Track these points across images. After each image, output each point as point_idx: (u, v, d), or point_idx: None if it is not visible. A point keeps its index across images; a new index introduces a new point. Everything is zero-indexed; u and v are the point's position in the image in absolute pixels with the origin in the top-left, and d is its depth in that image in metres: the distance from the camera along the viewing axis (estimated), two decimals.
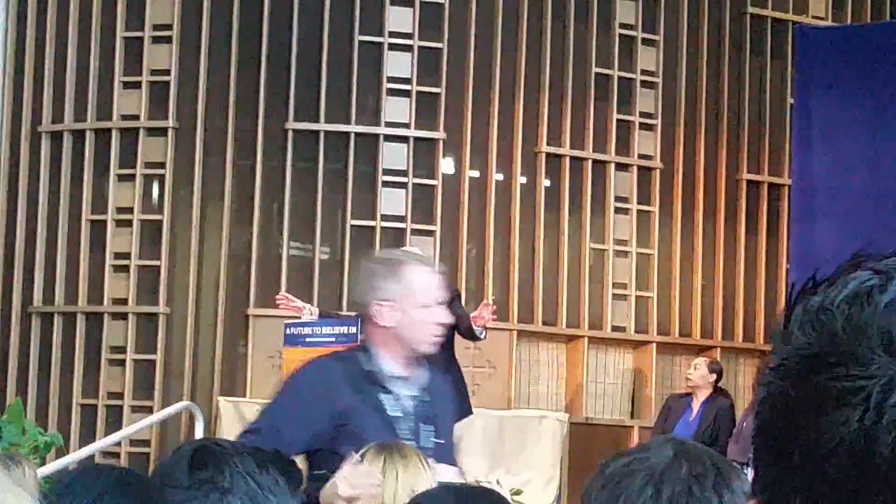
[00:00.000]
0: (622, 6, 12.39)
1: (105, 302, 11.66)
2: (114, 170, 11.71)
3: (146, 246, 11.64)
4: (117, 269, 11.69)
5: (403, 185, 11.72)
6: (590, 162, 12.21)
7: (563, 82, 12.17)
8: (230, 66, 11.70)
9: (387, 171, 11.69)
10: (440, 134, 11.80)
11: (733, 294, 12.69)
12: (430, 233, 11.71)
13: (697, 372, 11.18)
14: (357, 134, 11.68)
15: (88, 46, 11.84)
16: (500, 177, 11.99)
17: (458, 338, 9.45)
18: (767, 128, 12.91)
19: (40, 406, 11.56)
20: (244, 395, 11.30)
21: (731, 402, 11.17)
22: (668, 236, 12.50)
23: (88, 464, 7.48)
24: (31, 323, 11.80)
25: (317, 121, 11.68)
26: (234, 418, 10.93)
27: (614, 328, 12.25)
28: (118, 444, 11.01)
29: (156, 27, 11.77)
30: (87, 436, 11.27)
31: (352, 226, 11.64)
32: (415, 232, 11.64)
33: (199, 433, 10.09)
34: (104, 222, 11.70)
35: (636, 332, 12.32)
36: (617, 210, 12.29)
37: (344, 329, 9.23)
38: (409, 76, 11.77)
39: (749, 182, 12.81)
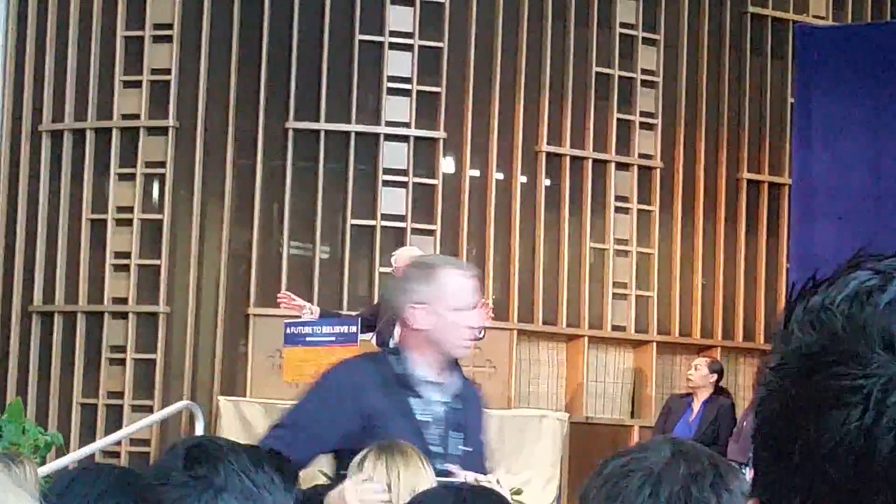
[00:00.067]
0: (623, 6, 12.39)
1: (105, 301, 11.66)
2: (114, 169, 11.71)
3: (146, 245, 11.65)
4: (117, 268, 11.69)
5: (404, 185, 11.72)
6: (590, 161, 12.21)
7: (563, 82, 12.17)
8: (230, 65, 11.70)
9: (387, 171, 11.69)
10: (440, 133, 11.80)
11: (733, 293, 12.69)
12: (431, 232, 11.71)
13: (698, 372, 11.18)
14: (357, 133, 11.68)
15: (89, 46, 11.84)
16: (501, 176, 11.99)
17: None
18: (768, 127, 12.91)
19: (40, 405, 11.56)
20: (244, 395, 11.30)
21: (731, 402, 11.16)
22: (669, 236, 12.50)
23: (88, 463, 7.48)
24: (32, 322, 11.80)
25: (317, 120, 11.68)
26: (234, 418, 10.93)
27: (614, 328, 12.25)
28: (118, 443, 11.01)
29: (156, 26, 11.77)
30: (88, 435, 11.27)
31: (352, 225, 11.64)
32: (415, 231, 11.64)
33: (199, 433, 10.08)
34: (104, 221, 11.70)
35: (636, 331, 12.32)
36: (617, 209, 12.30)
37: (344, 328, 9.23)
38: (409, 75, 11.77)
39: (749, 182, 12.81)
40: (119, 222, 11.70)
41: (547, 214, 12.03)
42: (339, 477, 4.13)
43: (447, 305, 4.31)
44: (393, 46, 11.78)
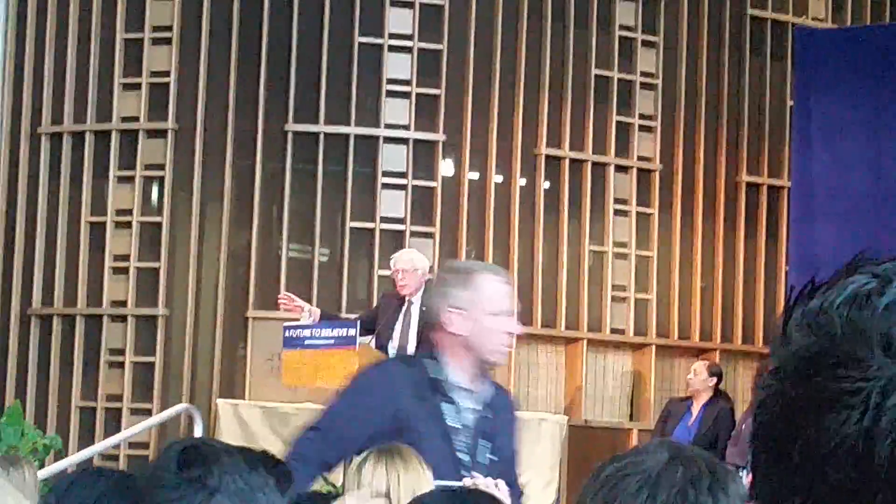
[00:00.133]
0: (622, 8, 12.39)
1: (104, 304, 11.66)
2: (113, 171, 11.71)
3: (145, 248, 11.65)
4: (117, 270, 11.69)
5: (403, 187, 11.72)
6: (589, 164, 12.21)
7: (562, 84, 12.18)
8: (230, 67, 11.70)
9: (386, 173, 11.69)
10: (440, 136, 11.80)
11: (732, 296, 12.69)
12: (430, 235, 11.71)
13: (697, 377, 11.16)
14: (357, 136, 11.69)
15: (88, 48, 11.85)
16: (500, 178, 11.99)
17: None
18: (767, 130, 12.91)
19: (39, 408, 11.56)
20: (243, 398, 11.30)
21: (731, 406, 11.15)
22: (668, 238, 12.50)
23: (87, 467, 7.47)
24: (31, 325, 11.80)
25: (316, 122, 11.68)
26: (232, 420, 10.93)
27: (613, 330, 12.25)
28: (117, 446, 11.00)
29: (155, 28, 11.77)
30: (86, 438, 11.27)
31: (351, 228, 11.64)
32: (414, 234, 11.65)
33: (198, 435, 10.08)
34: (104, 224, 11.70)
35: (635, 334, 12.32)
36: (616, 212, 12.30)
37: (343, 331, 9.22)
38: (408, 78, 11.78)
39: (749, 184, 12.81)
40: (118, 225, 11.70)
41: (546, 217, 12.03)
42: None
43: (484, 310, 4.32)
44: (392, 49, 11.79)
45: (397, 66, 11.78)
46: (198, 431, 10.16)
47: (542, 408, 11.79)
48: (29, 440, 9.33)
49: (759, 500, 1.02)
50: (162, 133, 11.71)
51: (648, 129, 12.46)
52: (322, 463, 4.44)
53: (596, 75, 12.27)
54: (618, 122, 12.32)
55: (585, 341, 12.06)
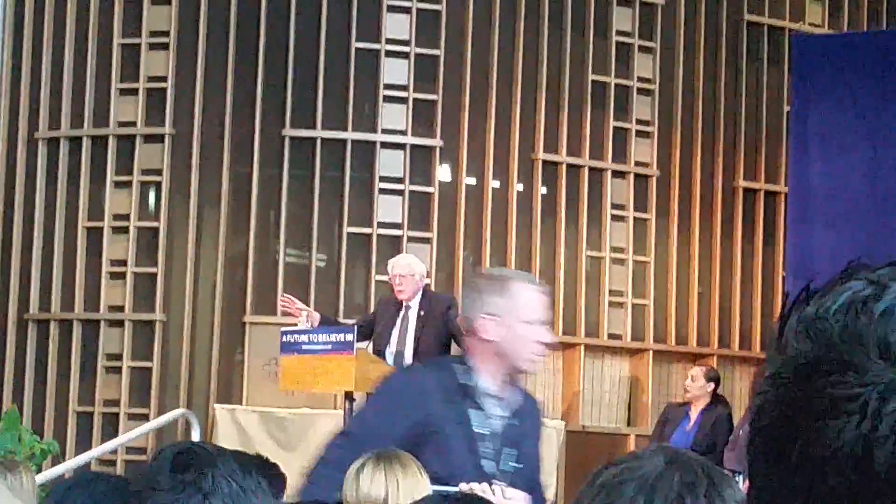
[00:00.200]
0: (619, 13, 12.40)
1: (101, 309, 11.66)
2: (110, 176, 11.71)
3: (142, 253, 11.64)
4: (114, 276, 11.69)
5: (400, 193, 11.72)
6: (586, 169, 12.21)
7: (559, 89, 12.18)
8: (227, 72, 11.70)
9: (383, 179, 11.69)
10: (437, 141, 11.81)
11: (730, 302, 12.69)
12: (427, 240, 11.71)
13: (695, 383, 11.13)
14: (354, 141, 11.69)
15: (85, 53, 11.85)
16: (497, 184, 11.99)
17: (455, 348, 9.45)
18: (764, 135, 12.92)
19: (36, 413, 11.55)
20: (240, 403, 11.30)
21: (729, 411, 11.14)
22: (665, 244, 12.50)
23: (84, 472, 7.47)
24: (28, 330, 11.79)
25: (313, 128, 11.69)
26: (230, 426, 10.93)
27: (611, 336, 12.25)
28: (114, 451, 11.00)
29: (153, 34, 11.77)
30: (84, 443, 11.27)
31: (348, 233, 11.65)
32: (411, 239, 11.65)
33: (195, 440, 10.08)
34: (101, 229, 11.70)
35: (632, 339, 12.32)
36: (613, 217, 12.30)
37: (340, 336, 9.21)
38: (405, 83, 11.78)
39: (746, 190, 12.82)
40: (115, 230, 11.70)
41: (543, 222, 12.04)
42: None
43: (519, 318, 4.30)
44: (389, 54, 11.79)
45: (394, 72, 11.78)
46: (195, 436, 10.15)
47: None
48: (26, 445, 9.32)
49: None
50: (159, 138, 11.71)
51: (645, 135, 12.47)
52: None
53: (593, 81, 12.28)
54: (615, 128, 12.32)
55: (583, 346, 12.06)
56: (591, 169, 12.23)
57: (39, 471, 8.91)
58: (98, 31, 11.85)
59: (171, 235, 11.66)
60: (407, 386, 4.45)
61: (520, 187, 12.03)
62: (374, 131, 11.73)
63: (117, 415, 11.52)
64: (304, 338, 9.43)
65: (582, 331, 12.09)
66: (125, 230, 11.68)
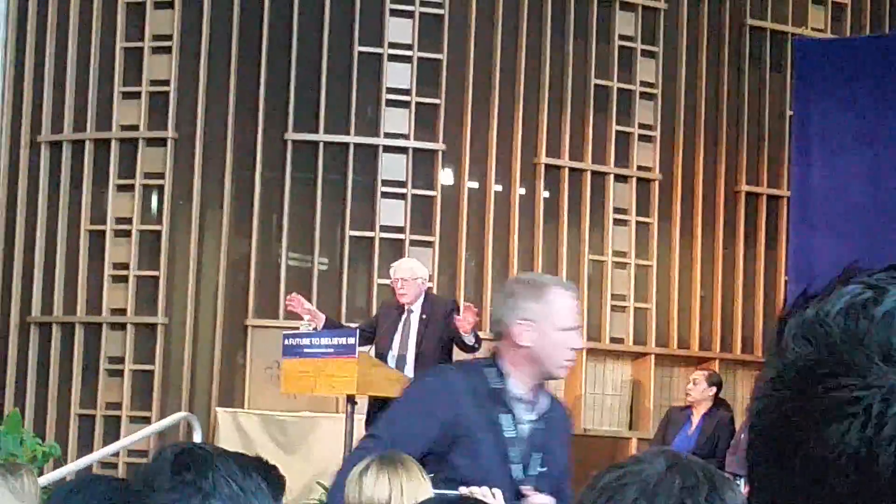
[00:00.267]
0: (622, 18, 12.40)
1: (104, 312, 11.66)
2: (113, 180, 11.72)
3: (145, 256, 11.65)
4: (116, 279, 11.69)
5: (402, 196, 11.72)
6: (589, 173, 12.21)
7: (562, 93, 12.18)
8: (230, 76, 11.71)
9: (386, 182, 11.69)
10: (439, 145, 11.81)
11: (732, 305, 12.68)
12: (429, 244, 11.71)
13: (697, 387, 11.13)
14: (356, 145, 11.69)
15: (88, 56, 11.86)
16: (500, 188, 11.99)
17: (457, 351, 9.44)
18: (766, 140, 12.91)
19: (38, 416, 11.55)
20: (242, 406, 11.30)
21: (730, 415, 11.14)
22: (667, 248, 12.50)
23: (86, 475, 7.48)
24: (30, 332, 11.80)
25: (316, 131, 11.69)
26: (232, 429, 10.93)
27: (613, 340, 12.25)
28: (116, 454, 11.00)
29: (156, 37, 11.78)
30: (85, 446, 11.27)
31: (351, 236, 11.64)
32: (414, 243, 11.64)
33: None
34: (103, 232, 11.70)
35: (634, 343, 12.32)
36: (616, 221, 12.30)
37: (342, 340, 9.20)
38: (408, 87, 11.78)
39: (748, 194, 12.82)
40: (118, 233, 11.70)
41: (545, 226, 12.03)
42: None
43: (554, 324, 4.31)
44: (392, 58, 11.79)
45: (397, 76, 11.79)
46: (197, 439, 10.15)
47: None
48: (28, 448, 9.32)
49: None
50: (162, 141, 11.71)
51: (648, 139, 12.47)
52: None
53: (595, 85, 12.28)
54: (617, 132, 12.32)
55: (585, 350, 12.04)
56: (594, 173, 12.23)
57: (41, 474, 8.91)
58: (101, 35, 11.86)
59: (173, 238, 11.66)
60: (438, 388, 4.43)
61: (522, 191, 12.03)
62: (377, 135, 11.73)
63: (119, 418, 11.52)
64: (305, 341, 9.42)
65: (584, 334, 12.06)
66: (127, 233, 11.68)
